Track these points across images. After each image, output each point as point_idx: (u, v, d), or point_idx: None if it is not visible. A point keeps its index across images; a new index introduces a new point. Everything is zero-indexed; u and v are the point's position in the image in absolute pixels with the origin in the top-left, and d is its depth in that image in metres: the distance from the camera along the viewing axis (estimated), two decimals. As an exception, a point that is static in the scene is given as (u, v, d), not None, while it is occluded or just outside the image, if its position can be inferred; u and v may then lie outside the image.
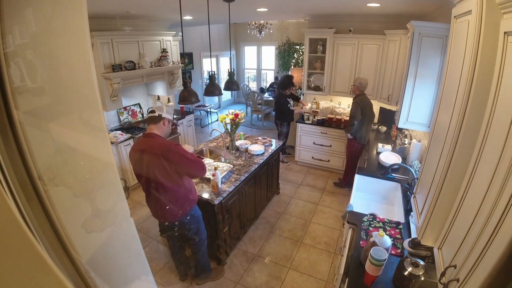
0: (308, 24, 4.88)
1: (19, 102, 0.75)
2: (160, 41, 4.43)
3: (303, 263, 2.84)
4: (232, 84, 3.12)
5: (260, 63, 9.14)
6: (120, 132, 4.04)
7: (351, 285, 1.59)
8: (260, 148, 3.40)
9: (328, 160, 4.68)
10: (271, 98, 7.52)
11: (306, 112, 4.73)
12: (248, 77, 9.71)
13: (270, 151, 3.44)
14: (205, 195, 2.48)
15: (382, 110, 4.41)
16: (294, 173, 4.69)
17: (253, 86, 9.48)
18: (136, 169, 2.05)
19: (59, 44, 0.89)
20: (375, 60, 4.11)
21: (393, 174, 2.78)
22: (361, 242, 1.90)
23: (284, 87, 4.69)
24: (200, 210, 2.60)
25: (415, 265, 1.45)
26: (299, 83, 6.76)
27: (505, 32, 0.84)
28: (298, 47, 7.97)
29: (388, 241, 1.63)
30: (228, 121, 3.23)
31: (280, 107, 4.67)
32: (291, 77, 4.84)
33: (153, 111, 2.05)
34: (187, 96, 2.60)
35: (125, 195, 1.18)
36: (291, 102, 4.65)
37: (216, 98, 8.89)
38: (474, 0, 0.98)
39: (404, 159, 3.08)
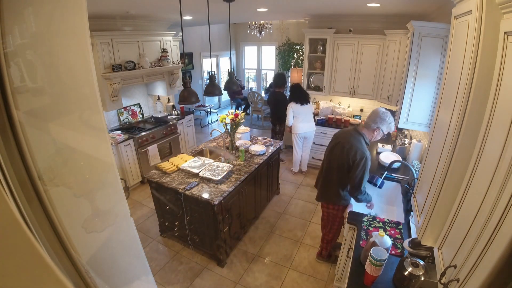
0: (308, 24, 4.88)
1: (19, 102, 0.75)
2: (160, 41, 4.43)
3: (303, 263, 2.84)
4: (232, 84, 3.12)
5: (260, 63, 9.14)
6: (118, 132, 4.03)
7: (351, 285, 1.59)
8: (260, 148, 3.40)
9: (328, 160, 4.68)
10: None
11: None
12: (248, 77, 9.71)
13: (270, 151, 3.44)
14: (205, 195, 2.49)
15: (382, 110, 4.41)
16: (294, 173, 4.69)
17: (253, 86, 9.50)
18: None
19: (59, 44, 0.89)
20: (375, 60, 4.11)
21: (393, 174, 2.78)
22: (361, 242, 1.90)
23: (276, 85, 4.85)
24: (200, 210, 2.61)
25: (415, 265, 1.45)
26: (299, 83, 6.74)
27: (505, 32, 0.84)
28: (298, 47, 7.96)
29: (388, 241, 1.63)
30: (228, 121, 3.24)
31: (276, 106, 4.69)
32: (282, 74, 4.96)
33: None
34: (187, 96, 2.60)
35: (125, 195, 1.18)
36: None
37: (216, 98, 8.88)
38: (474, 0, 0.98)
39: (404, 159, 3.08)
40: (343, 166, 2.22)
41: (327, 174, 2.40)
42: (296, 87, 4.31)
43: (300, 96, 4.19)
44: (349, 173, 2.21)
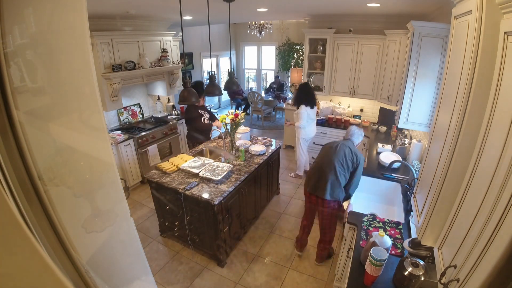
0: (308, 24, 4.88)
1: (19, 102, 0.75)
2: (160, 41, 4.43)
3: (303, 263, 2.84)
4: (232, 84, 3.13)
5: (260, 63, 9.14)
6: (118, 132, 4.03)
7: (351, 285, 1.59)
8: (260, 148, 3.40)
9: (328, 160, 4.67)
10: (271, 98, 7.55)
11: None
12: (248, 77, 9.71)
13: (270, 151, 3.44)
14: (205, 195, 2.48)
15: (382, 110, 4.41)
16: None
17: (253, 86, 9.50)
18: None
19: (59, 44, 0.89)
20: (375, 60, 4.11)
21: (393, 174, 2.78)
22: (361, 242, 1.90)
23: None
24: (200, 210, 2.61)
25: (415, 265, 1.45)
26: (299, 83, 6.75)
27: (505, 32, 0.84)
28: (298, 47, 7.96)
29: (388, 241, 1.63)
30: (228, 121, 3.24)
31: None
32: (201, 83, 4.29)
33: None
34: (187, 96, 2.60)
35: (125, 195, 1.18)
36: (205, 115, 3.87)
37: (216, 98, 8.88)
38: (474, 0, 0.98)
39: (404, 159, 3.08)
40: (346, 165, 2.44)
41: (327, 170, 2.44)
42: (305, 88, 3.97)
43: (311, 98, 3.91)
44: (351, 174, 2.48)
